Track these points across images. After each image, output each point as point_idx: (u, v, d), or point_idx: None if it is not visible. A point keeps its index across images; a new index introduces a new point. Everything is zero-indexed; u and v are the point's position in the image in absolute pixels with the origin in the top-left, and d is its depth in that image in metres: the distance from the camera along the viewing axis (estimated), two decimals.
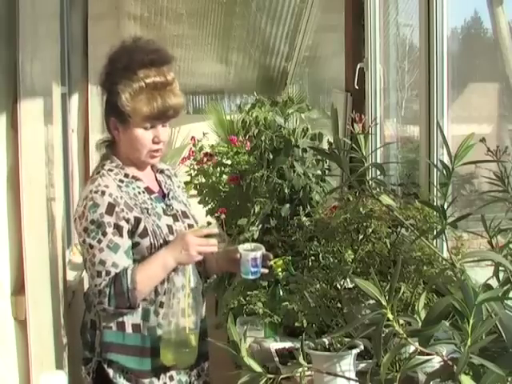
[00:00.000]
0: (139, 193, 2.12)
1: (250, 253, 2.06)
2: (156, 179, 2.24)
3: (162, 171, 2.27)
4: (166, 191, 2.22)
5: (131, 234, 2.05)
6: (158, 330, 2.07)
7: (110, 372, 2.07)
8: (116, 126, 2.11)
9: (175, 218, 2.16)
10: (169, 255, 2.03)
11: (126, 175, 2.13)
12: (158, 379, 2.09)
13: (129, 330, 2.07)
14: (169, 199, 2.19)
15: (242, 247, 2.11)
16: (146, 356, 2.07)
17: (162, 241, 2.07)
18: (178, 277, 2.07)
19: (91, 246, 2.02)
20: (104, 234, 2.01)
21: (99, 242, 2.01)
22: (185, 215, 2.20)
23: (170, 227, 2.12)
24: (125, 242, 2.03)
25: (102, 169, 2.13)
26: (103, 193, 2.04)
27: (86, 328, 2.14)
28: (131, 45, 2.13)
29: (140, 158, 2.13)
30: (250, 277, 2.08)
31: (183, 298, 2.02)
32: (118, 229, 2.02)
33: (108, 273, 1.99)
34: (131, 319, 2.06)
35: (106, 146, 2.20)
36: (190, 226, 2.18)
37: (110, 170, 2.12)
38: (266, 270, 2.18)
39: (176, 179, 2.34)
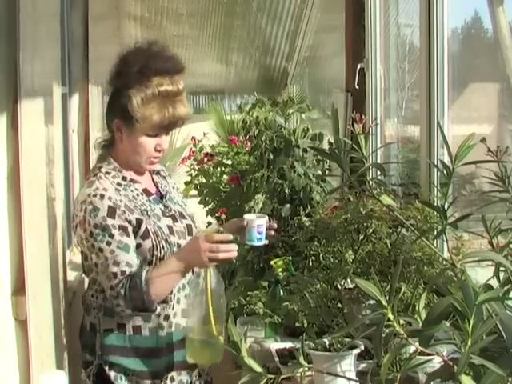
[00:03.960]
0: (138, 195, 2.12)
1: (256, 219, 2.10)
2: (153, 181, 2.24)
3: (158, 172, 2.28)
4: (163, 192, 2.22)
5: (134, 235, 2.04)
6: (160, 331, 2.06)
7: (112, 374, 2.06)
8: (120, 128, 2.09)
9: (174, 219, 2.15)
10: (181, 259, 1.99)
11: (124, 178, 2.12)
12: (160, 381, 2.08)
13: (130, 331, 2.06)
14: (166, 200, 2.19)
15: (247, 215, 2.16)
16: (147, 357, 2.07)
17: (163, 242, 2.06)
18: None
19: (101, 250, 2.00)
20: (111, 235, 2.00)
21: (108, 244, 1.99)
22: (182, 216, 2.20)
23: (170, 228, 2.11)
24: (132, 242, 2.03)
25: (99, 171, 2.11)
26: (102, 196, 2.02)
27: (86, 331, 2.13)
28: (147, 49, 2.10)
29: (139, 164, 2.12)
30: (256, 243, 2.12)
31: (208, 298, 1.93)
32: (123, 229, 2.01)
33: (123, 273, 1.99)
34: (132, 321, 2.06)
35: (103, 147, 2.19)
36: (188, 226, 2.18)
37: (108, 173, 2.11)
38: (266, 242, 2.15)
39: (170, 180, 2.33)
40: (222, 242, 1.95)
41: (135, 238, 2.04)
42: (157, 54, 2.09)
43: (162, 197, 2.20)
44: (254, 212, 2.92)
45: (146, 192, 2.15)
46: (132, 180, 2.14)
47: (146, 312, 2.02)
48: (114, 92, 2.12)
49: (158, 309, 2.03)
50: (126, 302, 1.98)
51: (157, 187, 2.23)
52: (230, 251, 1.96)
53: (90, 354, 2.10)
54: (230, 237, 1.97)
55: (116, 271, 1.99)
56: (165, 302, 2.05)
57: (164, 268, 2.00)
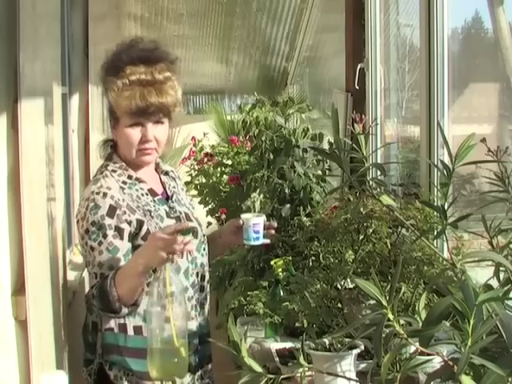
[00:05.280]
0: (142, 195, 2.11)
1: (252, 218, 2.10)
2: (160, 181, 2.24)
3: (166, 173, 2.27)
4: (169, 193, 2.21)
5: (134, 236, 2.04)
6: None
7: (111, 374, 2.06)
8: (112, 125, 2.12)
9: (178, 221, 2.14)
10: (140, 257, 1.93)
11: (130, 177, 2.12)
12: (160, 382, 2.08)
13: (130, 331, 2.05)
14: (172, 201, 2.18)
15: (243, 215, 2.15)
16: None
17: None
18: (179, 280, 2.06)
19: (92, 248, 2.00)
20: (104, 236, 1.99)
21: (99, 244, 1.99)
22: (188, 218, 2.18)
23: None
24: (124, 245, 2.01)
25: (105, 169, 2.11)
26: (105, 194, 2.02)
27: (88, 329, 2.13)
28: (127, 43, 2.10)
29: (132, 157, 2.10)
30: (252, 242, 2.12)
31: (167, 304, 1.83)
32: (118, 231, 2.00)
33: (102, 275, 1.98)
34: (133, 321, 2.05)
35: (110, 146, 2.19)
36: (194, 228, 2.17)
37: (114, 171, 2.11)
38: (268, 241, 2.14)
39: (180, 182, 2.33)
40: (174, 233, 1.84)
41: (136, 239, 2.04)
42: (133, 45, 2.08)
43: (167, 198, 2.19)
44: (254, 211, 2.93)
45: (151, 192, 2.14)
46: (138, 179, 2.13)
47: (113, 314, 1.99)
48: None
49: (126, 311, 1.98)
50: (97, 302, 1.98)
51: (164, 188, 2.22)
52: (183, 244, 1.83)
53: (91, 352, 2.10)
54: (189, 225, 1.88)
55: (97, 272, 1.99)
56: (135, 304, 1.99)
57: (126, 268, 1.96)
